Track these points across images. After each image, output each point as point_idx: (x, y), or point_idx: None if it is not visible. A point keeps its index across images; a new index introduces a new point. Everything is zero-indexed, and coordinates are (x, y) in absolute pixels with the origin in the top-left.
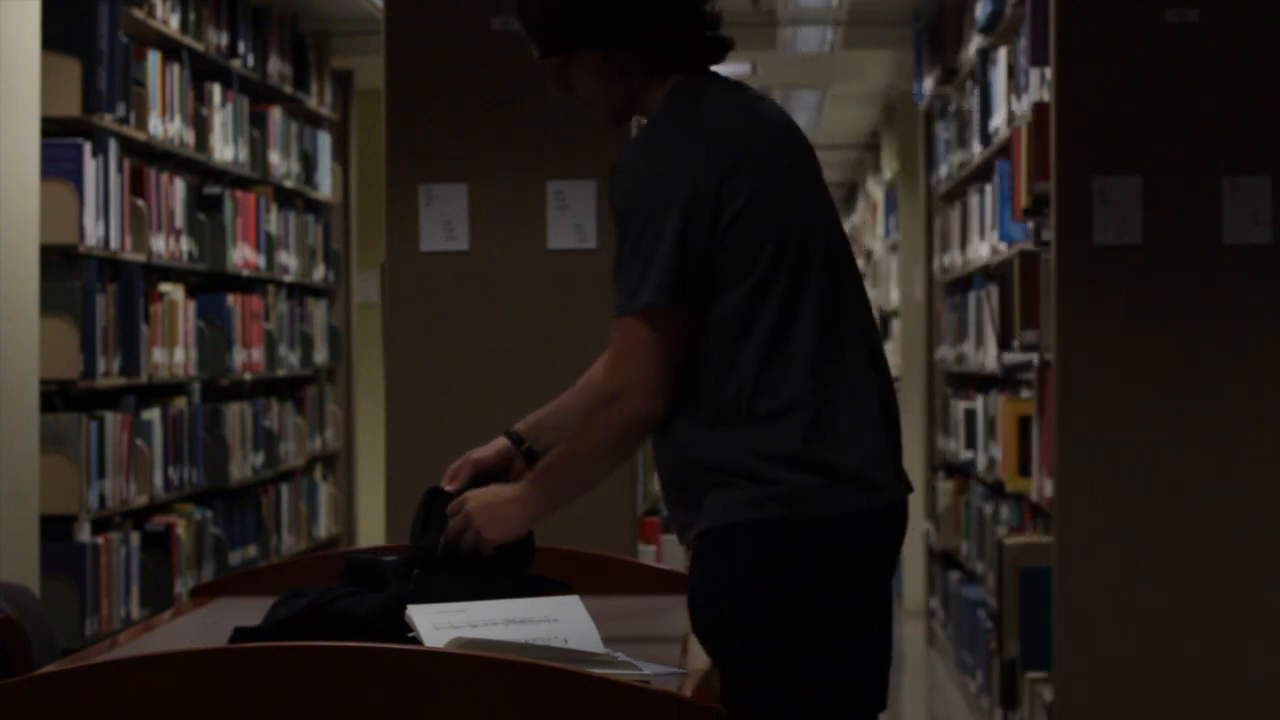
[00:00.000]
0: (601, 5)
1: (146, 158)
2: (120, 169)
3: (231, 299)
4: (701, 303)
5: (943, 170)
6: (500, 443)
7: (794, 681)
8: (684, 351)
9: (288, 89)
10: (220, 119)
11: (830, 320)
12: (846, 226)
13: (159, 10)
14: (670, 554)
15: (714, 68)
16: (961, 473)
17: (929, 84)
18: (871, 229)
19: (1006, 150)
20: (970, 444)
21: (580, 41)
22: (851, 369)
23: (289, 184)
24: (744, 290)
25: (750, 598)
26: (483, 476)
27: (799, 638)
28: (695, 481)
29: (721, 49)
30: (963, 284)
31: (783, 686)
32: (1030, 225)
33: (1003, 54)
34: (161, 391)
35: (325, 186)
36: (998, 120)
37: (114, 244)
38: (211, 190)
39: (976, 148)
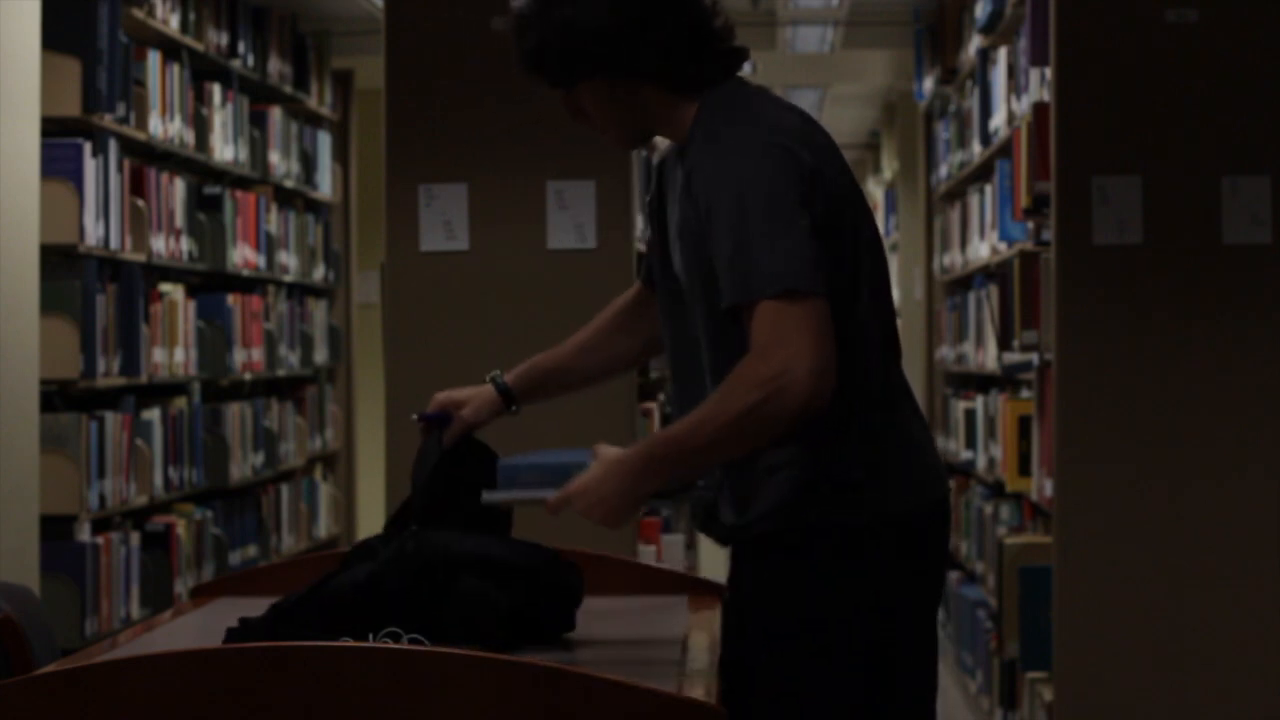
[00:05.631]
0: (595, 36)
1: (146, 158)
2: (120, 169)
3: (231, 299)
4: None
5: (943, 170)
6: (491, 398)
7: (868, 678)
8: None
9: (288, 89)
10: (220, 119)
11: (886, 318)
12: None
13: (159, 10)
14: (670, 554)
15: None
16: (961, 473)
17: (929, 84)
18: None
19: (1006, 150)
20: (970, 444)
21: (577, 73)
22: (899, 370)
23: (289, 184)
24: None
25: (834, 598)
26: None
27: (875, 633)
28: (772, 479)
29: (736, 60)
30: (963, 284)
31: (857, 685)
32: (1030, 225)
33: (1003, 54)
34: (161, 391)
35: (325, 186)
36: (998, 120)
37: (114, 244)
38: (211, 190)
39: (976, 148)
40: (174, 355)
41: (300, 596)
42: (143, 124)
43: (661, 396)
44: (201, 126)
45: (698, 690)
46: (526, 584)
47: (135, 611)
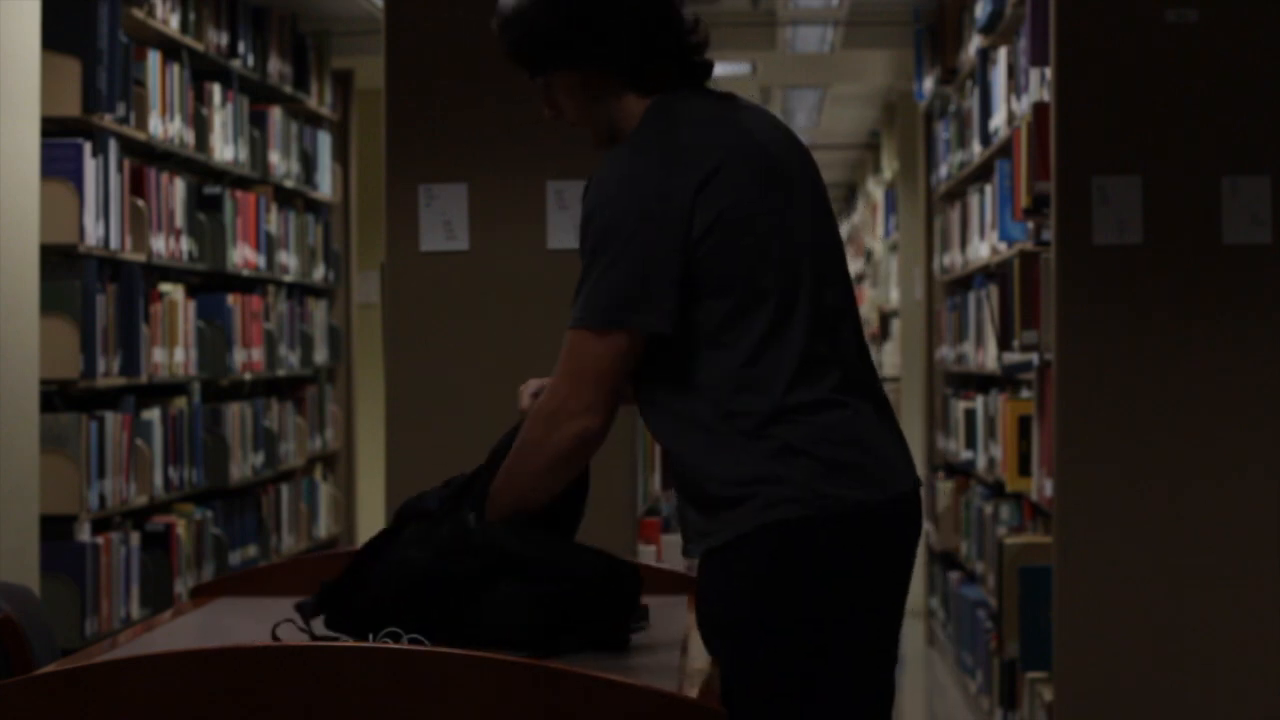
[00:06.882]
0: (568, 28)
1: (146, 158)
2: (120, 169)
3: (231, 299)
4: (682, 313)
5: (943, 170)
6: None
7: (810, 678)
8: (631, 372)
9: (288, 89)
10: (220, 119)
11: (820, 327)
12: (846, 227)
13: (159, 10)
14: (670, 554)
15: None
16: (961, 473)
17: (929, 84)
18: (871, 229)
19: (1006, 150)
20: (970, 444)
21: (552, 64)
22: (843, 372)
23: (289, 184)
24: (730, 301)
25: (771, 596)
26: None
27: (818, 634)
28: (705, 493)
29: (704, 73)
30: (963, 284)
31: (798, 683)
32: (1030, 225)
33: (1003, 54)
34: (161, 391)
35: (325, 186)
36: (998, 120)
37: (114, 244)
38: (211, 190)
39: (976, 148)
40: (174, 355)
41: (352, 569)
42: (143, 124)
43: None
44: (201, 126)
45: (697, 690)
46: (578, 592)
47: (135, 611)
